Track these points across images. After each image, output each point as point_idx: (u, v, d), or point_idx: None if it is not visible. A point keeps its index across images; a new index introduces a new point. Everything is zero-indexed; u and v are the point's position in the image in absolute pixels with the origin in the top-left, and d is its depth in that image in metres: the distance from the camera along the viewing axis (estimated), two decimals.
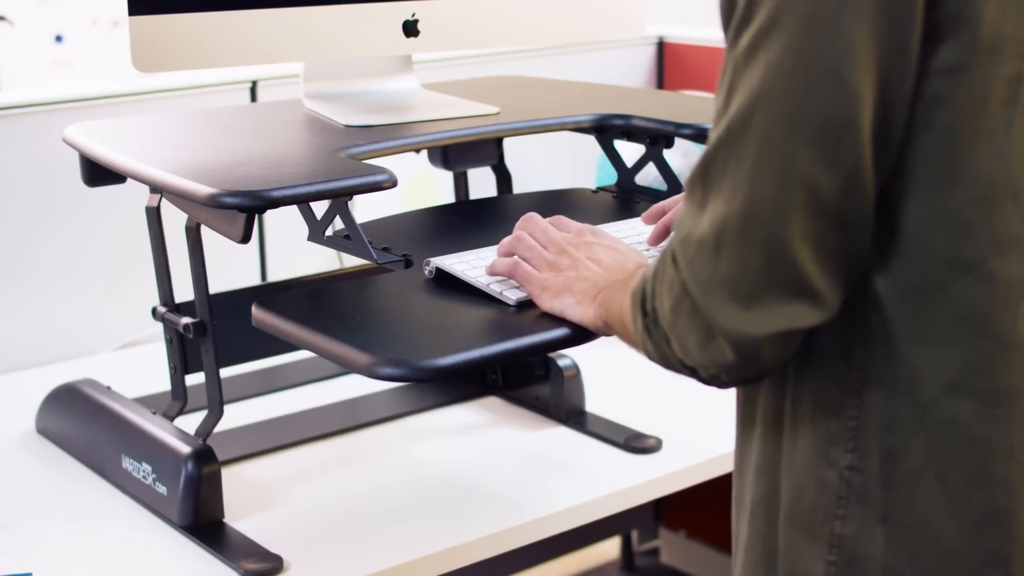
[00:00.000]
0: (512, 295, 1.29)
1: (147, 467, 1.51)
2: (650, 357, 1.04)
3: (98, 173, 1.51)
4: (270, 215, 2.11)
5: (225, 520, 1.48)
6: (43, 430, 1.71)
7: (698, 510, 2.72)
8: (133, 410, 1.59)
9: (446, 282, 1.34)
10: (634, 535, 2.88)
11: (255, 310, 1.30)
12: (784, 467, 1.02)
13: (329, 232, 1.42)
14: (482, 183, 1.94)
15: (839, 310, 0.96)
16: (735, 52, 0.94)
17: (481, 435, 1.72)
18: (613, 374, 1.86)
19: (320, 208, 1.40)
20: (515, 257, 1.29)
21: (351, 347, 1.18)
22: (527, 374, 1.78)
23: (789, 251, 0.91)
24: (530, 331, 1.23)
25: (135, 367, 1.93)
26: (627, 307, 1.07)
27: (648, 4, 1.73)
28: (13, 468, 1.63)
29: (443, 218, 1.65)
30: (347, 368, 1.20)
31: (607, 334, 1.20)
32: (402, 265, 1.38)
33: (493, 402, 1.81)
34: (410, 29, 1.60)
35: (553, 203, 1.64)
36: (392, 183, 1.29)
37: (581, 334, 1.23)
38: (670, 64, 2.55)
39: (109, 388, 1.66)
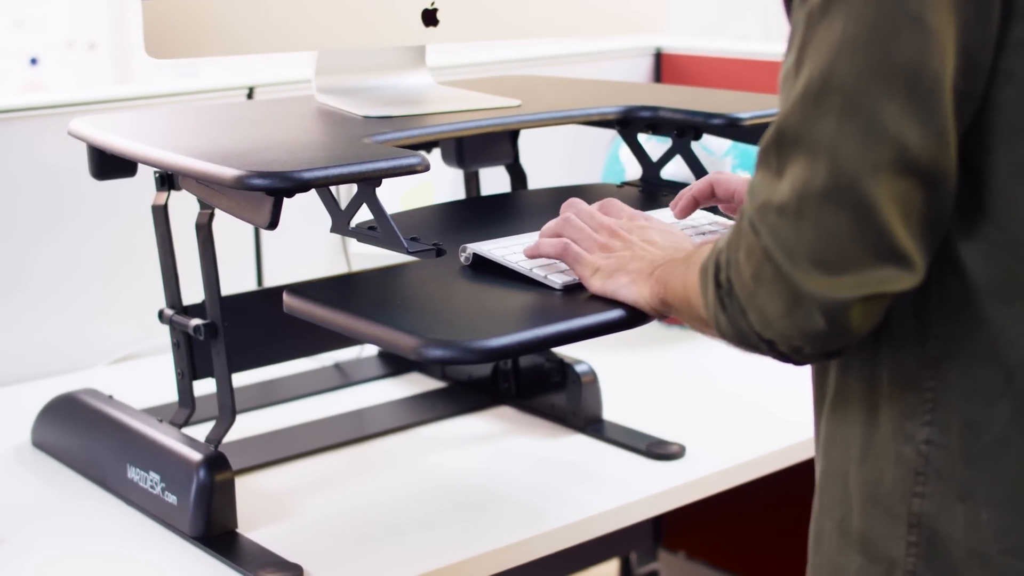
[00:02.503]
0: (557, 279, 1.24)
1: (155, 476, 1.44)
2: (722, 332, 0.99)
3: (107, 165, 1.45)
4: None
5: (238, 530, 1.42)
6: (40, 443, 1.64)
7: (698, 530, 2.66)
8: (138, 418, 1.52)
9: (483, 269, 1.29)
10: (632, 557, 2.82)
11: (287, 297, 1.24)
12: (861, 445, 0.98)
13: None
14: (491, 185, 1.89)
15: None
16: (807, 6, 0.90)
17: (497, 443, 1.66)
18: (625, 382, 1.80)
19: (344, 198, 1.35)
20: (564, 239, 1.23)
21: (395, 329, 1.12)
22: (542, 382, 1.72)
23: (877, 213, 0.87)
24: (581, 314, 1.18)
25: (131, 380, 1.86)
26: (693, 282, 1.03)
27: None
28: (10, 483, 1.56)
29: (467, 211, 1.59)
30: (392, 351, 1.15)
31: (663, 315, 1.15)
32: (433, 254, 1.33)
33: (506, 411, 1.76)
34: (429, 18, 1.55)
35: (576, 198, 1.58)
36: (425, 167, 1.24)
37: (636, 316, 1.18)
38: (668, 75, 2.52)
39: (111, 397, 1.60)
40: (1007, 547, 0.91)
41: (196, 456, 1.41)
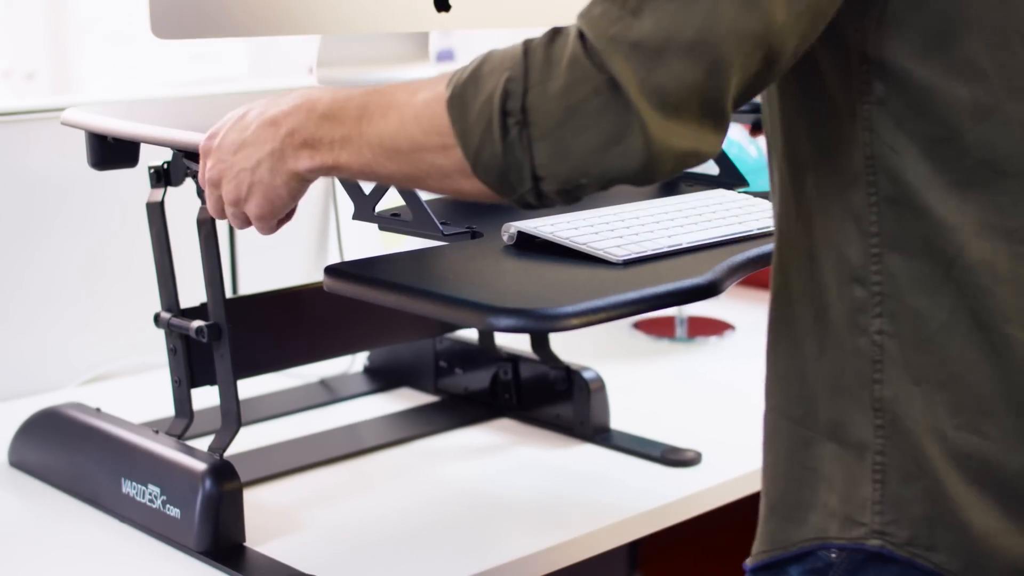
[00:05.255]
0: (618, 252, 1.18)
1: (155, 489, 1.36)
2: (480, 166, 0.95)
3: (109, 154, 1.37)
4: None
5: (246, 544, 1.34)
6: (19, 462, 1.54)
7: (675, 556, 2.60)
8: (132, 430, 1.44)
9: (528, 248, 1.23)
10: None
11: (326, 278, 1.16)
12: (818, 342, 1.01)
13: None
14: None
15: (849, 179, 0.96)
16: None
17: (504, 454, 1.60)
18: (626, 393, 1.74)
19: (367, 184, 1.28)
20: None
21: (456, 301, 1.06)
22: (545, 391, 1.66)
23: (725, 75, 0.90)
24: (649, 284, 1.12)
25: (106, 400, 1.76)
26: (430, 117, 0.96)
27: None
28: None
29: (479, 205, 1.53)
30: (457, 323, 1.09)
31: (324, 176, 1.07)
32: (468, 237, 1.26)
33: (508, 423, 1.69)
34: (442, 3, 1.49)
35: None
36: None
37: (712, 285, 1.12)
38: None
39: (98, 410, 1.51)
40: (960, 423, 0.96)
41: (200, 466, 1.33)
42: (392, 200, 1.26)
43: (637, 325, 2.12)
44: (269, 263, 1.99)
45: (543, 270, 1.19)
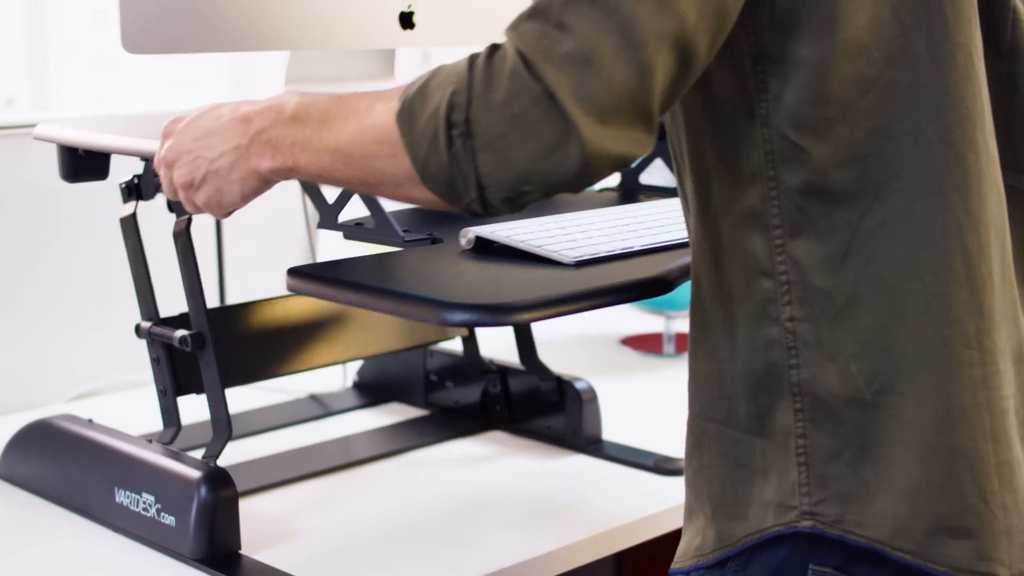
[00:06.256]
0: (570, 254, 1.21)
1: (149, 498, 1.35)
2: (428, 176, 0.98)
3: (80, 167, 1.39)
4: (229, 236, 1.98)
5: (242, 552, 1.33)
6: (9, 475, 1.54)
7: (661, 565, 2.59)
8: (125, 440, 1.43)
9: (486, 252, 1.25)
10: None
11: (289, 278, 1.19)
12: (729, 345, 1.04)
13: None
14: None
15: (750, 178, 1.00)
16: None
17: (496, 464, 1.60)
18: (615, 407, 1.74)
19: (331, 192, 1.31)
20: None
21: (411, 298, 1.09)
22: (537, 403, 1.66)
23: (652, 77, 0.94)
24: (601, 282, 1.15)
25: (96, 416, 1.75)
26: (381, 126, 1.00)
27: None
28: None
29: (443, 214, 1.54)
30: (414, 318, 1.12)
31: (283, 179, 1.10)
32: (428, 243, 1.29)
33: (499, 435, 1.69)
34: (406, 20, 1.51)
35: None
36: None
37: (663, 278, 1.16)
38: None
39: (91, 421, 1.50)
40: (877, 388, 0.99)
41: (195, 473, 1.33)
42: (359, 210, 1.27)
43: (625, 342, 2.13)
44: (256, 275, 1.98)
45: (499, 271, 1.21)
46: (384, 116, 1.00)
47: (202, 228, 1.57)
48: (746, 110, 1.00)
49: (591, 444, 1.62)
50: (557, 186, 0.97)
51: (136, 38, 1.33)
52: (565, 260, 1.21)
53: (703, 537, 1.08)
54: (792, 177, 1.00)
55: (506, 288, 1.15)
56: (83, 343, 1.89)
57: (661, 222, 1.36)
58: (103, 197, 1.59)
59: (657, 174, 1.66)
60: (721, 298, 1.05)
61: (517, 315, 1.08)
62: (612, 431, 1.65)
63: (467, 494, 1.50)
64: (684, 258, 1.21)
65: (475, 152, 0.96)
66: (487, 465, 1.59)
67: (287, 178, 1.10)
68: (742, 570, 1.05)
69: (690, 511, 1.11)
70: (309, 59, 1.50)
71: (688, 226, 1.09)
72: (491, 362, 1.71)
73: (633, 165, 1.61)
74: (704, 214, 1.05)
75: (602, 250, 1.24)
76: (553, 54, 0.94)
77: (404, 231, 1.30)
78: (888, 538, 0.99)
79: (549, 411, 1.65)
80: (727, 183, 1.03)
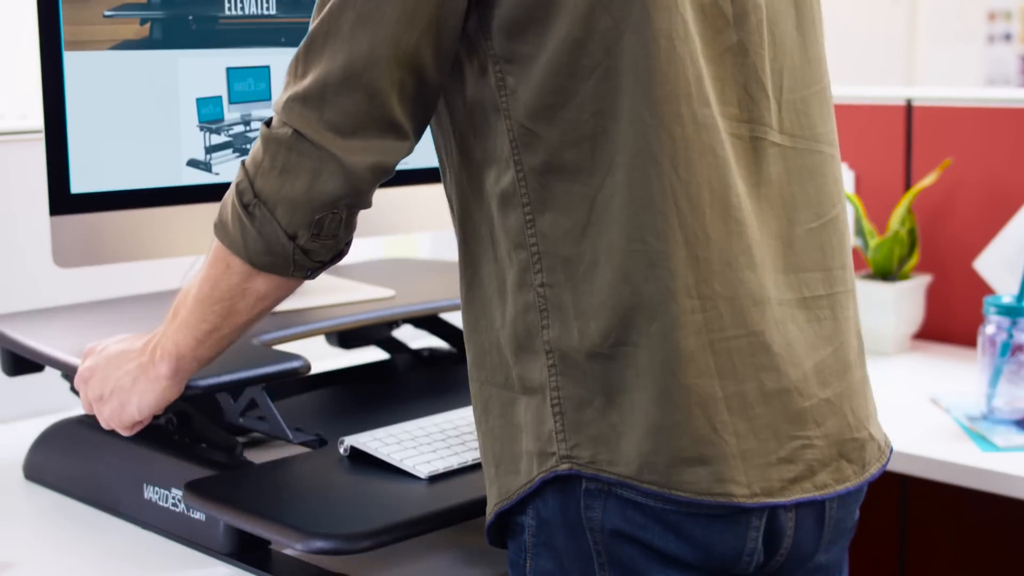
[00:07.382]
0: (424, 469, 1.35)
1: (178, 493, 1.35)
2: (251, 253, 1.17)
3: (21, 364, 1.56)
4: None
5: (272, 546, 1.33)
6: (35, 475, 1.56)
7: None
8: (152, 435, 1.43)
9: (360, 459, 1.39)
10: None
11: (186, 493, 1.32)
12: (501, 314, 1.18)
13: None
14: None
15: (503, 166, 1.15)
16: None
17: None
18: None
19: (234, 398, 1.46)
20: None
21: (284, 524, 1.23)
22: None
23: (381, 94, 1.12)
24: (444, 498, 1.31)
25: None
26: (213, 256, 1.20)
27: None
28: (8, 520, 1.46)
29: (346, 393, 1.74)
30: (282, 544, 1.26)
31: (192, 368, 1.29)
32: (316, 444, 1.45)
33: None
34: None
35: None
36: (307, 369, 1.43)
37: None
38: None
39: None
40: (612, 342, 1.13)
41: None
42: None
43: None
44: None
45: (365, 485, 1.35)
46: (212, 250, 1.20)
47: None
48: (494, 106, 1.15)
49: None
50: (337, 203, 1.15)
51: (68, 255, 1.50)
52: (419, 475, 1.34)
53: (489, 496, 1.21)
54: (532, 159, 1.14)
55: (366, 509, 1.29)
56: None
57: None
58: None
59: None
60: (495, 274, 1.18)
61: (359, 543, 1.22)
62: None
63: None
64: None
65: (271, 212, 1.15)
66: None
67: (185, 369, 1.28)
68: (519, 522, 1.17)
69: (486, 476, 1.22)
70: None
71: (454, 219, 1.23)
72: None
73: None
74: (479, 204, 1.19)
75: (455, 463, 1.37)
76: (295, 99, 1.13)
77: (297, 429, 1.46)
78: (635, 473, 1.12)
79: None
80: (485, 173, 1.18)
